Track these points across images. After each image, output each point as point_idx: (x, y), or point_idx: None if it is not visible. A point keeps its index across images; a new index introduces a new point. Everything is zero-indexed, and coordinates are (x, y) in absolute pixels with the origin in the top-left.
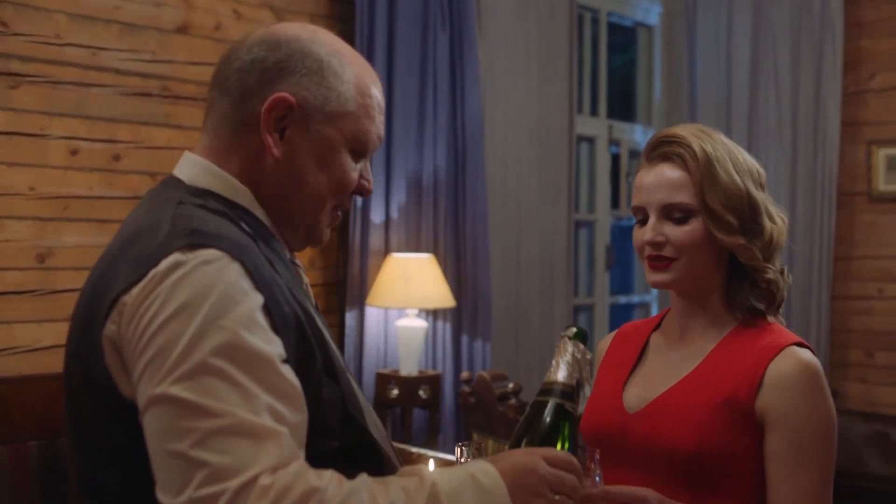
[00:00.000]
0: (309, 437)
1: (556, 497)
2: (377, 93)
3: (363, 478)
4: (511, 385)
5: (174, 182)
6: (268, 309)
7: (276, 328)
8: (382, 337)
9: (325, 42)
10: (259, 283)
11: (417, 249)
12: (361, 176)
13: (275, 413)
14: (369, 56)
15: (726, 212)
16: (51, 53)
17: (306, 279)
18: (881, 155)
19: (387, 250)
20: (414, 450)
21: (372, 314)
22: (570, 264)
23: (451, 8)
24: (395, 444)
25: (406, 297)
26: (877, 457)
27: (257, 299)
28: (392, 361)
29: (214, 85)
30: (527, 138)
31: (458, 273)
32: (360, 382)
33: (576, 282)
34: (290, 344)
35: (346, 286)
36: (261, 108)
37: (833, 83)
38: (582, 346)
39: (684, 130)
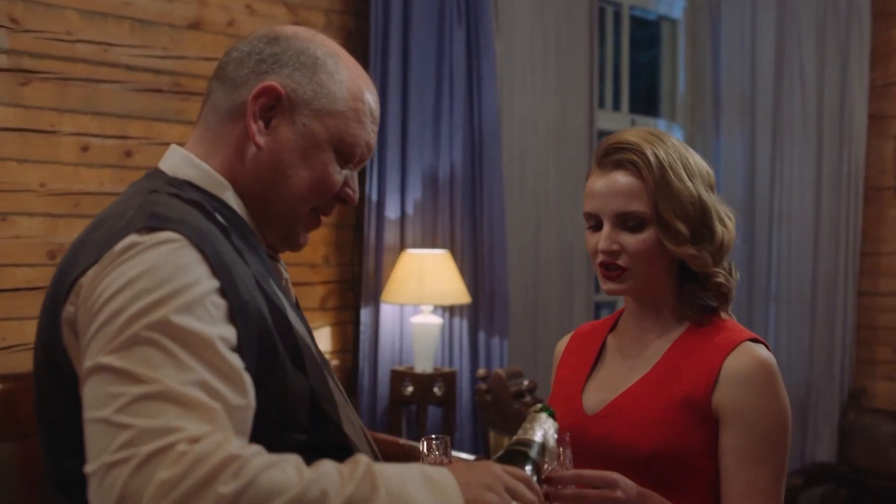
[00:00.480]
0: (274, 429)
1: (513, 503)
2: (371, 100)
3: (293, 455)
4: (526, 382)
5: (156, 173)
6: (224, 295)
7: (232, 315)
8: (398, 334)
9: (324, 44)
10: (216, 269)
11: (433, 246)
12: (346, 184)
13: (209, 389)
14: (384, 52)
15: (678, 220)
16: (62, 50)
17: (287, 275)
18: None
19: (402, 246)
20: (402, 441)
21: (387, 311)
22: (589, 261)
23: (468, 2)
24: (410, 442)
25: (421, 294)
26: None
27: (211, 284)
28: (407, 358)
29: (213, 76)
30: (545, 134)
31: (474, 269)
32: (374, 379)
33: (596, 279)
34: (249, 333)
35: (362, 283)
36: (249, 96)
37: (860, 76)
38: (549, 418)
39: (636, 136)
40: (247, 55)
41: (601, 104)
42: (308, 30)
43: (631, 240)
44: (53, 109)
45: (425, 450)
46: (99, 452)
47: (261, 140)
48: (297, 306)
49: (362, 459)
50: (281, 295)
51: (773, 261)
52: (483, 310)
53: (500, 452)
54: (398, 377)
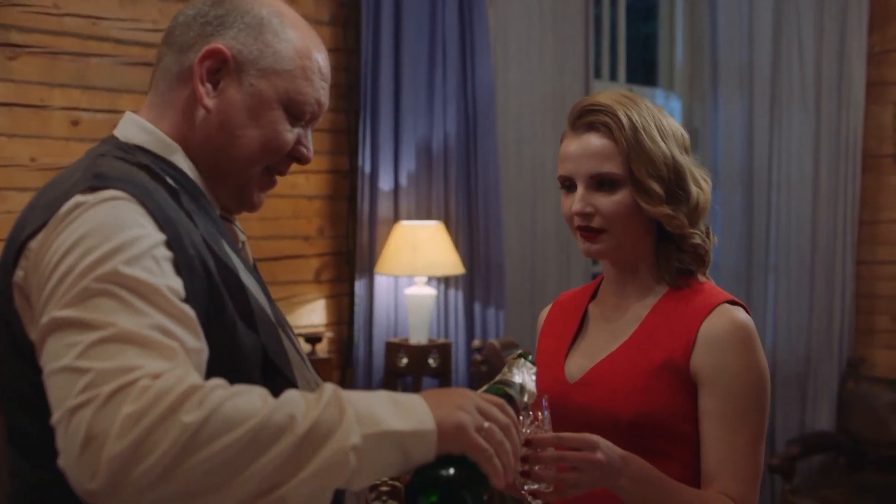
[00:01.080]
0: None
1: (486, 424)
2: (319, 59)
3: (257, 386)
4: (520, 352)
5: (109, 139)
6: (170, 247)
7: (177, 268)
8: (392, 305)
9: (269, 3)
10: (161, 222)
11: (428, 217)
12: (299, 142)
13: (165, 331)
14: (376, 22)
15: (652, 181)
16: (50, 24)
17: (243, 237)
18: None
19: (396, 218)
20: None
21: (381, 283)
22: None
23: None
24: None
25: (414, 265)
26: None
27: (156, 237)
28: (402, 330)
29: (162, 41)
30: (541, 103)
31: (470, 241)
32: (369, 351)
33: None
34: (196, 288)
35: (356, 255)
36: (196, 59)
37: (858, 42)
38: (527, 363)
39: (609, 98)
40: (192, 18)
41: (598, 74)
42: None
43: (605, 201)
44: (43, 84)
45: None
46: (62, 400)
47: (209, 102)
48: (254, 269)
49: (328, 386)
50: (234, 256)
51: (771, 230)
52: (479, 281)
53: (491, 387)
54: (393, 349)
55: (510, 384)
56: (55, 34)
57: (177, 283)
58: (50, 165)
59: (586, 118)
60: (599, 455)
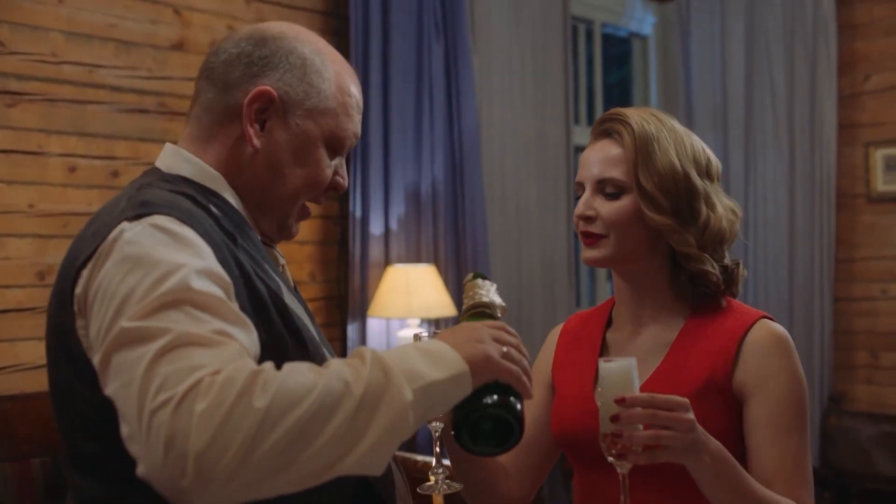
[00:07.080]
0: None
1: (504, 349)
2: (356, 92)
3: (298, 362)
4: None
5: (152, 171)
6: (221, 265)
7: (224, 284)
8: (384, 348)
9: (309, 41)
10: (209, 243)
11: (418, 260)
12: (336, 172)
13: (223, 332)
14: (364, 70)
15: (658, 191)
16: (48, 72)
17: (283, 261)
18: (879, 156)
19: (387, 262)
20: (419, 458)
21: (374, 326)
22: (571, 273)
23: (445, 20)
24: (401, 454)
25: (407, 308)
26: (886, 458)
27: (206, 252)
28: None
29: (201, 76)
30: (524, 148)
31: (459, 283)
32: None
33: (578, 290)
34: (242, 306)
35: (348, 299)
36: (243, 99)
37: (828, 86)
38: (484, 281)
39: (631, 110)
40: (236, 57)
41: (576, 120)
42: (293, 27)
43: (606, 206)
44: (41, 131)
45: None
46: (136, 408)
47: (258, 142)
48: (295, 290)
49: (364, 350)
50: (277, 279)
51: (749, 269)
52: None
53: (464, 320)
54: None
55: (488, 305)
56: (53, 82)
57: (224, 295)
58: (47, 212)
59: (604, 125)
60: (691, 415)
